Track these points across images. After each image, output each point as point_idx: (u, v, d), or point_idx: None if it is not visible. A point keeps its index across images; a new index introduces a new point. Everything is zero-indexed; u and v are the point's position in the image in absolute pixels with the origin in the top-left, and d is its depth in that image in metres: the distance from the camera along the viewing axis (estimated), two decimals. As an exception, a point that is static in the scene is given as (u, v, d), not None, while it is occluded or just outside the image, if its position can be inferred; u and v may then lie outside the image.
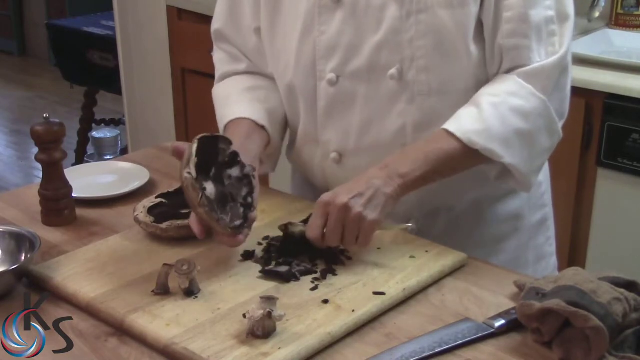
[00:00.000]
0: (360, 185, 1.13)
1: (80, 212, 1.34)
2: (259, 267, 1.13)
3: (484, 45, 1.21)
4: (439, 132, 1.18)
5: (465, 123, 1.17)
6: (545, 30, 1.19)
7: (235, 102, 1.35)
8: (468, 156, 1.18)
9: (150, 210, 1.24)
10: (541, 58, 1.19)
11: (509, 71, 1.21)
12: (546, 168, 1.41)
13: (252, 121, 1.30)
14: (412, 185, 1.16)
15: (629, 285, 1.01)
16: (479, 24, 1.20)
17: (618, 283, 1.01)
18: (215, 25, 1.41)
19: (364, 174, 1.16)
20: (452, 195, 1.31)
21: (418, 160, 1.15)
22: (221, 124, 1.34)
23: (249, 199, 1.15)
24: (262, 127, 1.30)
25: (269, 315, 0.95)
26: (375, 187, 1.13)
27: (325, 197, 1.13)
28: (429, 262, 1.14)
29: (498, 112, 1.17)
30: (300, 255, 1.14)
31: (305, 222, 1.16)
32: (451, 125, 1.18)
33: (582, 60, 2.09)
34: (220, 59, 1.43)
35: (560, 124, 1.23)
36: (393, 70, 1.20)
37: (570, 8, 1.22)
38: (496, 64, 1.22)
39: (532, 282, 1.05)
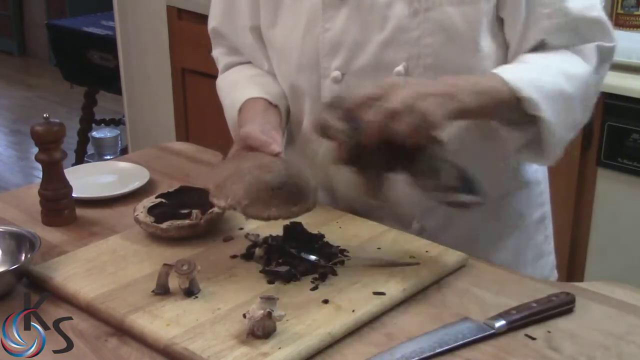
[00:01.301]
0: (431, 86, 1.07)
1: (80, 212, 1.34)
2: (259, 267, 1.13)
3: (501, 42, 1.21)
4: (490, 74, 1.15)
5: (514, 70, 1.15)
6: (585, 21, 1.19)
7: (244, 86, 1.35)
8: (510, 104, 1.13)
9: (150, 210, 1.24)
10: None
11: None
12: (544, 166, 1.41)
13: (265, 100, 1.30)
14: (465, 113, 1.10)
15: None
16: (494, 21, 1.20)
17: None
18: (211, 23, 1.42)
19: (427, 81, 1.10)
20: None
21: (475, 92, 1.10)
22: (233, 110, 1.33)
23: None
24: (276, 107, 1.31)
25: (269, 315, 0.95)
26: (444, 96, 1.06)
27: (394, 79, 1.05)
28: (429, 262, 1.14)
29: (546, 69, 1.16)
30: (300, 254, 1.14)
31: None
32: (499, 70, 1.15)
33: (582, 60, 2.09)
34: (221, 52, 1.44)
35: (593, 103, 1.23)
36: (399, 68, 1.20)
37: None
38: None
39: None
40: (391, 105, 1.01)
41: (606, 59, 1.22)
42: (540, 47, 1.20)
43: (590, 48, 1.19)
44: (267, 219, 1.10)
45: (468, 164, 1.26)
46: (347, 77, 1.23)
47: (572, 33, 1.19)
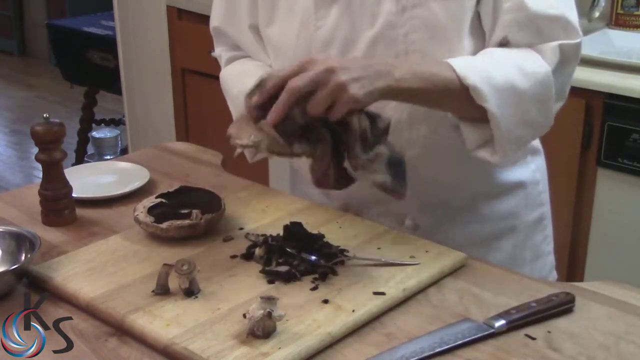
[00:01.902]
0: (354, 64, 1.08)
1: (80, 212, 1.34)
2: (259, 267, 1.13)
3: (481, 38, 1.21)
4: (441, 61, 1.15)
5: (466, 60, 1.16)
6: (545, 18, 1.18)
7: (253, 73, 1.33)
8: (459, 93, 1.12)
9: (150, 210, 1.24)
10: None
11: None
12: (543, 167, 1.41)
13: None
14: (399, 93, 1.10)
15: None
16: (476, 18, 1.20)
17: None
18: (213, 22, 1.43)
19: (358, 59, 1.12)
20: (448, 192, 1.31)
21: (415, 73, 1.11)
22: (243, 96, 1.33)
23: None
24: None
25: (269, 315, 0.95)
26: (369, 74, 1.07)
27: (315, 55, 1.07)
28: (429, 262, 1.14)
29: (500, 62, 1.16)
30: (300, 254, 1.14)
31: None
32: (452, 59, 1.15)
33: (582, 60, 2.07)
34: (223, 49, 1.45)
35: (555, 108, 1.20)
36: None
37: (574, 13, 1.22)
38: None
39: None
40: (293, 84, 1.04)
41: (571, 58, 1.20)
42: (504, 44, 1.20)
43: (552, 47, 1.17)
44: (291, 154, 1.09)
45: (436, 167, 1.26)
46: None
47: (532, 30, 1.18)
